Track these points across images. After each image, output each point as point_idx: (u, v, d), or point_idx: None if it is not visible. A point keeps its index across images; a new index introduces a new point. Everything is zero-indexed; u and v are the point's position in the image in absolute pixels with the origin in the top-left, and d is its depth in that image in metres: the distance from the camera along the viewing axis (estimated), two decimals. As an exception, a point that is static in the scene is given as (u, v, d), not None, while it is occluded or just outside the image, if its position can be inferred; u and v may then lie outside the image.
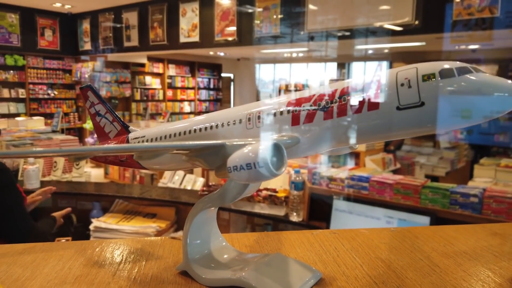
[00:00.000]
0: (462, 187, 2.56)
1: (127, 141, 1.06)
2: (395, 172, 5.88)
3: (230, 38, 7.81)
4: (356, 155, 5.75)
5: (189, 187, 5.39)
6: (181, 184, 5.61)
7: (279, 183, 3.82)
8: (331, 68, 13.84)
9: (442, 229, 1.14)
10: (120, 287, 0.80)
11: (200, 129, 0.94)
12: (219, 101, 13.15)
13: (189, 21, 8.18)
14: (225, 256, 0.91)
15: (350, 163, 5.71)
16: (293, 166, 4.04)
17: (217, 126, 0.92)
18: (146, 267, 0.90)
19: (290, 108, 0.84)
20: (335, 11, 7.27)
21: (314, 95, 0.84)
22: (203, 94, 12.78)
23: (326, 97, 0.82)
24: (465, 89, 0.71)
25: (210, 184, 3.86)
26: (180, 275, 0.86)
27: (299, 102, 0.84)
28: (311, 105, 0.82)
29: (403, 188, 2.62)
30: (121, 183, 7.84)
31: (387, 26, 6.95)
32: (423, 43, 8.93)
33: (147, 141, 1.02)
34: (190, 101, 12.35)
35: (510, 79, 0.72)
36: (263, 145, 0.74)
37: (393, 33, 7.00)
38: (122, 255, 0.96)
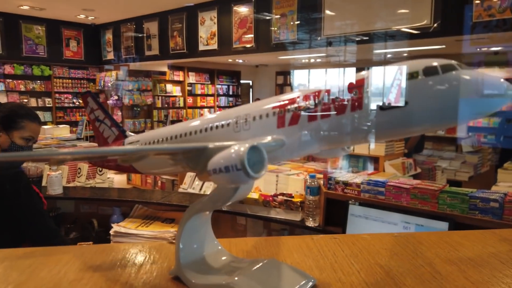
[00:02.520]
0: (482, 191, 2.48)
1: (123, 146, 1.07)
2: (415, 177, 5.75)
3: (248, 45, 7.87)
4: (375, 160, 5.66)
5: (208, 193, 5.41)
6: (201, 189, 5.65)
7: (296, 188, 3.78)
8: (350, 73, 13.71)
9: (449, 235, 1.10)
10: (111, 292, 0.81)
11: (190, 133, 0.94)
12: (238, 107, 13.20)
13: (207, 29, 8.29)
14: (219, 260, 0.91)
15: (370, 168, 5.61)
16: (308, 170, 4.01)
17: (205, 129, 0.92)
18: (141, 271, 0.90)
19: (276, 110, 0.83)
20: (352, 16, 7.22)
21: (298, 97, 0.83)
22: (223, 101, 12.88)
23: (310, 99, 0.80)
24: (449, 87, 0.68)
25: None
26: (172, 280, 0.86)
27: (284, 103, 0.83)
28: (296, 107, 0.81)
29: (420, 193, 2.56)
30: (142, 188, 7.95)
31: (405, 29, 6.86)
32: (443, 46, 8.76)
33: (140, 144, 1.02)
34: (209, 107, 12.47)
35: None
36: (242, 148, 0.73)
37: (411, 36, 6.90)
38: (120, 260, 0.96)
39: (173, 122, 10.96)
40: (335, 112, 0.76)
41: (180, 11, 8.70)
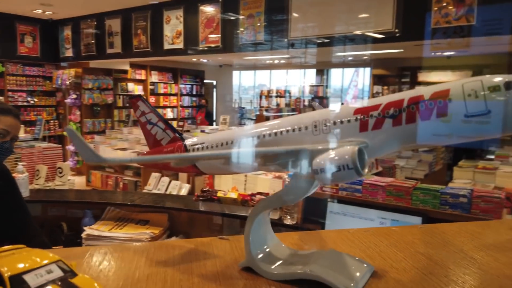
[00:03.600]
0: (451, 188, 2.66)
1: (185, 148, 1.11)
2: (377, 175, 6.02)
3: (214, 45, 7.88)
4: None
5: (174, 193, 5.38)
6: (166, 190, 5.60)
7: (264, 188, 3.87)
8: (311, 74, 14.12)
9: (465, 225, 1.22)
10: (193, 284, 0.84)
11: (264, 136, 0.99)
12: (202, 107, 13.16)
13: (173, 28, 8.20)
14: (283, 252, 0.97)
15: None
16: (285, 171, 4.09)
17: (281, 133, 0.97)
18: (208, 264, 0.95)
19: (358, 116, 0.90)
20: (318, 19, 7.43)
21: (381, 104, 0.90)
22: (186, 101, 12.77)
23: (394, 106, 0.88)
24: None
25: (205, 189, 3.88)
26: (243, 271, 0.91)
27: (366, 110, 0.90)
28: (379, 113, 0.89)
29: (395, 190, 2.69)
30: (110, 190, 7.72)
31: (369, 33, 7.15)
32: (401, 50, 9.24)
33: (207, 147, 1.06)
34: (172, 107, 12.32)
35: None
36: (352, 149, 0.81)
37: (373, 40, 7.22)
38: (182, 255, 1.00)
39: (135, 122, 10.73)
40: (420, 119, 0.85)
41: (144, 9, 8.54)
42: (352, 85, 16.66)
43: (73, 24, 9.92)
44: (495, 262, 0.98)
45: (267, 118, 6.69)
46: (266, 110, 9.35)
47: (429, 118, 0.84)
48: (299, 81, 14.35)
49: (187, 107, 12.83)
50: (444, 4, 6.33)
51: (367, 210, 2.70)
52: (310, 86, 13.53)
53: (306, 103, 9.61)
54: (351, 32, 7.31)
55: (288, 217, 3.04)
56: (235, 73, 14.52)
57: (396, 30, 6.77)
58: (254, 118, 11.84)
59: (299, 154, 0.88)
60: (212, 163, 1.04)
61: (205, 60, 11.84)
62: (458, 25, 6.31)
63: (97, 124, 10.36)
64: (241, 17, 7.56)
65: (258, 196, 3.37)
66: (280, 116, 8.89)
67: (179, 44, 8.22)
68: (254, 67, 14.02)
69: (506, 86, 0.80)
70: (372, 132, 0.88)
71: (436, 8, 6.43)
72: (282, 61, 12.04)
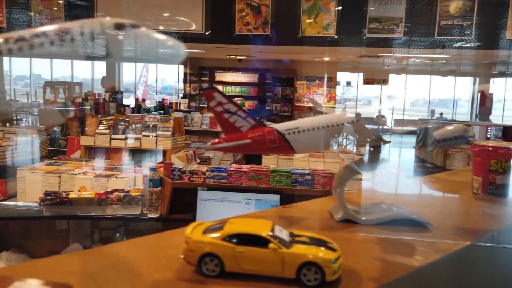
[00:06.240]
0: (296, 169, 3.25)
1: (279, 132, 1.21)
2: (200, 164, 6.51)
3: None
4: (164, 153, 6.06)
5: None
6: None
7: (96, 187, 3.78)
8: (100, 67, 13.35)
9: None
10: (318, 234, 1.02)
11: (338, 124, 1.24)
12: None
13: None
14: (354, 207, 1.25)
15: (160, 160, 5.98)
16: (146, 165, 4.11)
17: (354, 121, 1.25)
18: (309, 223, 1.12)
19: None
20: (128, 12, 7.31)
21: None
22: None
23: None
24: None
25: (50, 191, 3.49)
26: (341, 223, 1.13)
27: None
28: None
29: (256, 174, 3.13)
30: None
31: (176, 32, 7.51)
32: (203, 51, 10.00)
33: (303, 131, 1.20)
34: None
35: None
36: (462, 126, 1.18)
37: (184, 40, 7.63)
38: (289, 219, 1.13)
39: None
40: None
41: None
42: (142, 80, 16.53)
43: None
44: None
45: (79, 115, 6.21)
46: (66, 105, 8.29)
47: None
48: (88, 73, 13.32)
49: None
50: (244, 14, 7.32)
51: (233, 193, 3.02)
52: (102, 78, 12.74)
53: (107, 98, 8.94)
54: (159, 28, 7.50)
55: (152, 210, 3.10)
56: (5, 60, 12.19)
57: (206, 33, 7.36)
58: (36, 114, 10.24)
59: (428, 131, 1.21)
60: (310, 143, 1.22)
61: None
62: (256, 33, 7.39)
63: None
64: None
65: (115, 194, 3.28)
66: (83, 111, 8.44)
67: None
68: (32, 53, 12.05)
69: None
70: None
71: (238, 17, 7.35)
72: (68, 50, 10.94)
